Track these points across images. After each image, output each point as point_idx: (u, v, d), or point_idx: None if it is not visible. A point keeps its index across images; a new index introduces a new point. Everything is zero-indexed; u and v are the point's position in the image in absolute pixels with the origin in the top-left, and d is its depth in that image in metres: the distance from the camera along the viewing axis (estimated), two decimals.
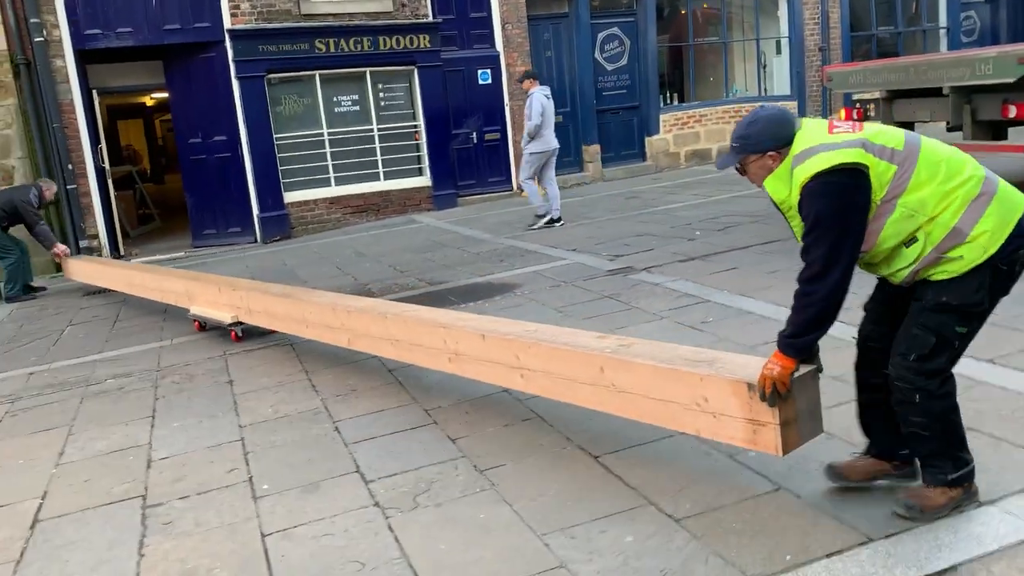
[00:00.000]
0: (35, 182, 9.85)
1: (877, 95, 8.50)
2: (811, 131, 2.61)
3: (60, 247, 9.49)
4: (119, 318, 7.63)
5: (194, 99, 12.03)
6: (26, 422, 4.86)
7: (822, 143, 2.54)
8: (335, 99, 12.46)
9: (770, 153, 2.62)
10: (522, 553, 2.81)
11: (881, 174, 2.50)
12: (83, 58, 11.41)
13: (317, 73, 12.23)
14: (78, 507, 3.59)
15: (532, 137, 9.64)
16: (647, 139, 14.73)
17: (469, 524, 3.05)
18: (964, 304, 2.53)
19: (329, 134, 12.44)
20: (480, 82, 13.36)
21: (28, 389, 5.56)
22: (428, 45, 12.54)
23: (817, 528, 2.75)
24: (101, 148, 11.78)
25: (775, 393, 2.59)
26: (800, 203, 2.55)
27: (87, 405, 5.04)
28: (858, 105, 8.89)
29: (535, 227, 9.78)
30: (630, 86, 14.59)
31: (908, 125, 8.22)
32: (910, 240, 2.52)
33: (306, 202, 12.38)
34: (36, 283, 9.71)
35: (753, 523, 2.82)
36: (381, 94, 12.76)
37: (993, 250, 2.48)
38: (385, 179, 12.87)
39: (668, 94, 15.31)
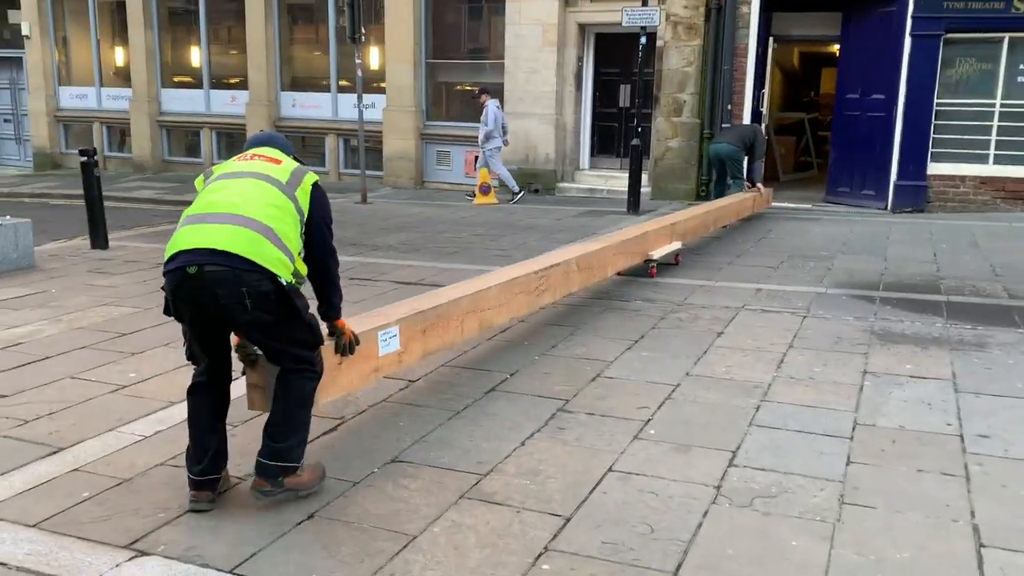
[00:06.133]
0: (757, 125, 11.46)
1: None
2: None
3: (761, 186, 10.79)
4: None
5: (862, 54, 11.78)
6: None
7: None
8: (1021, 67, 10.84)
9: None
10: None
11: None
12: (767, 6, 12.05)
13: (1007, 36, 10.79)
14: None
15: (489, 138, 12.38)
16: None
17: None
18: None
19: (1002, 105, 10.94)
20: None
21: None
22: None
23: None
24: (762, 93, 12.45)
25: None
26: None
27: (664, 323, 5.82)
28: None
29: (514, 202, 12.53)
30: None
31: None
32: None
33: (952, 176, 11.25)
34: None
35: None
36: None
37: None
38: None
39: None
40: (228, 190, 2.95)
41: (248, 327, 2.97)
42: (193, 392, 3.12)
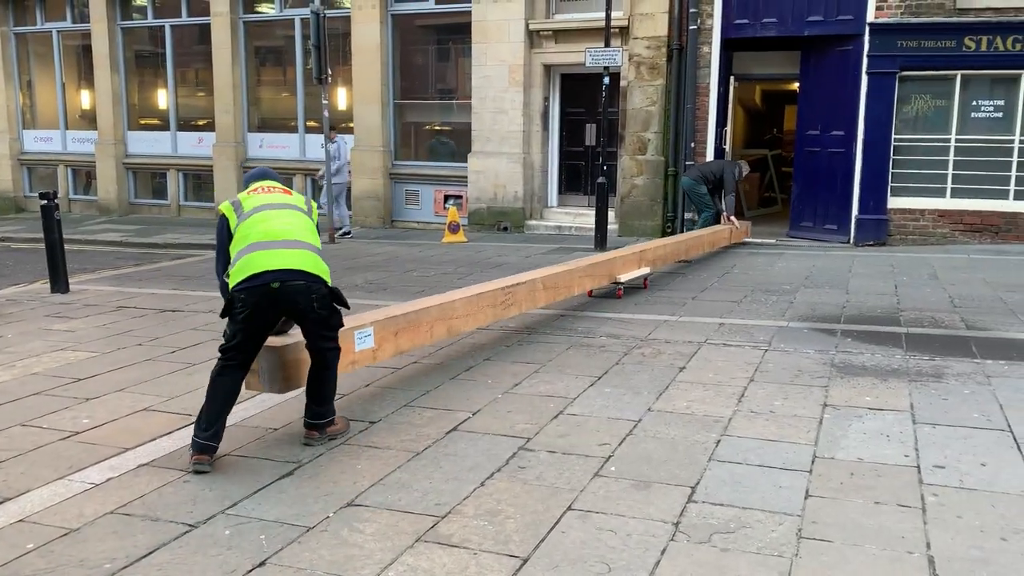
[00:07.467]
0: (738, 160, 11.63)
1: None
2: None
3: (733, 219, 11.00)
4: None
5: (820, 91, 12.04)
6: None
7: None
8: (974, 103, 11.15)
9: None
10: None
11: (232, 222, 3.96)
12: (727, 46, 12.30)
13: (959, 73, 11.08)
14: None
15: (338, 172, 12.98)
16: None
17: None
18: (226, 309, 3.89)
19: (957, 141, 11.21)
20: None
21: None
22: None
23: None
24: (724, 131, 12.65)
25: None
26: None
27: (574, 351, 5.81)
28: None
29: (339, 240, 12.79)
30: None
31: None
32: None
33: (911, 210, 11.47)
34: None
35: None
36: None
37: (231, 285, 3.81)
38: (1016, 199, 11.12)
39: None
40: (277, 220, 3.91)
41: (312, 320, 3.91)
42: (221, 374, 3.83)
